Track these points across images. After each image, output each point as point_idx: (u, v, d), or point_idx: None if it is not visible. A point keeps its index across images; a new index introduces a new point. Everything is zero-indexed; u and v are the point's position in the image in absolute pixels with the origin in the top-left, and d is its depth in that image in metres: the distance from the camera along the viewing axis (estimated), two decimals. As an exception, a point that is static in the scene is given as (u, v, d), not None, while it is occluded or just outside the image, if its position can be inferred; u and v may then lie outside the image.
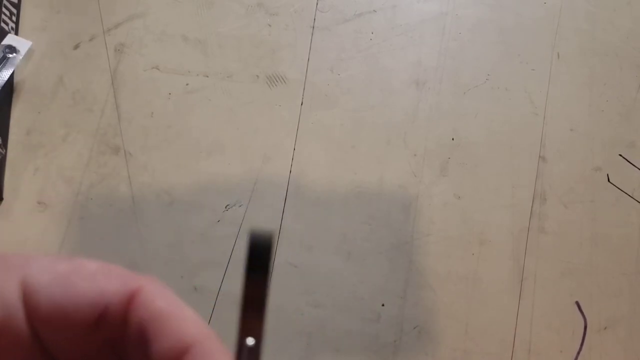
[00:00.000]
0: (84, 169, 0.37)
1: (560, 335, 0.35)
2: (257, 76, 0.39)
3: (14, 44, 0.38)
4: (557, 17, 0.41)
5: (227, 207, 0.36)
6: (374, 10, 0.41)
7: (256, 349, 0.14)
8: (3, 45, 0.38)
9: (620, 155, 0.38)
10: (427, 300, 0.35)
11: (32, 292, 0.14)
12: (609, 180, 0.38)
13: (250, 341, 0.14)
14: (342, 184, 0.37)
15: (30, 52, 0.39)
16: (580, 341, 0.35)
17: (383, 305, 0.35)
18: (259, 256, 0.14)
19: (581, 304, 0.36)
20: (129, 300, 0.14)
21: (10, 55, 0.38)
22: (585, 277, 0.36)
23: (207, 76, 0.39)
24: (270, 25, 0.40)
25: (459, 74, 0.40)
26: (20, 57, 0.38)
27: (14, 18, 0.40)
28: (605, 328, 0.35)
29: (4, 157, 0.37)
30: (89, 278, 0.14)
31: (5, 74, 0.37)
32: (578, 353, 0.35)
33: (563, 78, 0.40)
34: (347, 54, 0.40)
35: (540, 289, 0.36)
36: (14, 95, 0.39)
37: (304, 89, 0.39)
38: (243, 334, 0.14)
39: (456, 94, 0.39)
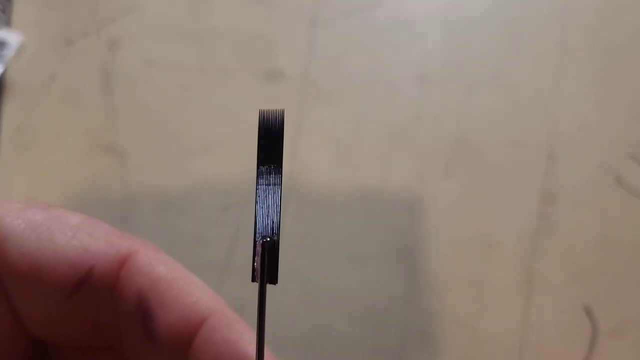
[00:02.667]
0: (76, 168, 0.37)
1: (568, 340, 0.35)
2: (255, 72, 0.39)
3: (5, 39, 0.38)
4: (566, 13, 0.41)
5: (224, 207, 0.36)
6: (377, 4, 0.41)
7: (273, 249, 0.12)
8: (-7, 40, 0.38)
9: (631, 155, 0.38)
10: (432, 305, 0.35)
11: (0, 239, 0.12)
12: (619, 181, 0.37)
13: (266, 240, 0.12)
14: (344, 184, 0.37)
15: (22, 47, 0.38)
16: (588, 347, 0.35)
17: (386, 310, 0.35)
18: (272, 141, 0.12)
19: (590, 309, 0.35)
20: (120, 264, 0.12)
21: (1, 51, 0.38)
22: (594, 280, 0.36)
23: (204, 72, 0.39)
24: (269, 20, 0.40)
25: (465, 71, 0.40)
26: (11, 53, 0.38)
27: (6, 12, 0.40)
28: (614, 333, 0.35)
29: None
30: (70, 232, 0.12)
31: (-4, 70, 0.37)
32: (586, 359, 0.35)
33: (572, 75, 0.40)
34: (349, 49, 0.40)
35: (549, 293, 0.36)
36: (4, 91, 0.38)
37: (303, 85, 0.39)
38: (258, 233, 0.12)
39: (462, 91, 0.39)
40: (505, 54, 0.40)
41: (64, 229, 0.12)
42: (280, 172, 0.12)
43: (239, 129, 0.38)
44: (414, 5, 0.41)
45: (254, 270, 0.12)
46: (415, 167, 0.38)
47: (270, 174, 0.12)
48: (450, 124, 0.39)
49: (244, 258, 0.36)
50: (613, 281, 0.36)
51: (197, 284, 0.13)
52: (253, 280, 0.13)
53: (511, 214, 0.37)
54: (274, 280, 0.12)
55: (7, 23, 0.40)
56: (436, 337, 0.35)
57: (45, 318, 0.13)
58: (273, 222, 0.12)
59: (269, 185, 0.12)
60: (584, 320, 0.35)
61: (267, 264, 0.12)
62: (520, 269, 0.36)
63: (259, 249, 0.12)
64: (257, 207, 0.12)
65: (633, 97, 0.39)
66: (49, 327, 0.13)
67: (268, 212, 0.12)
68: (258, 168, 0.12)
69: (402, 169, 0.38)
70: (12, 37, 0.38)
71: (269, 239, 0.12)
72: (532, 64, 0.40)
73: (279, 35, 0.40)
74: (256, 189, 0.12)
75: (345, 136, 0.38)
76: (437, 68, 0.40)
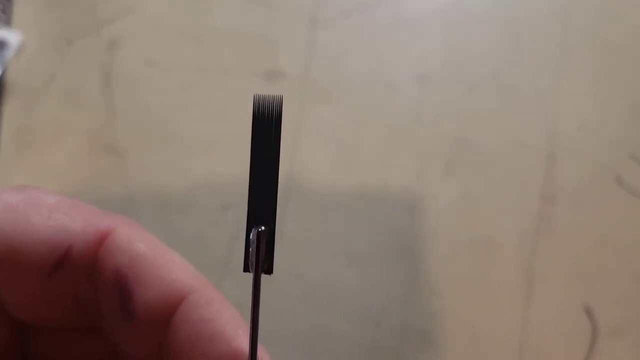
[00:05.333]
0: (76, 168, 0.37)
1: (568, 340, 0.35)
2: (255, 72, 0.39)
3: (5, 39, 0.38)
4: (566, 12, 0.41)
5: (224, 207, 0.36)
6: (377, 4, 0.41)
7: (269, 238, 0.12)
8: (-7, 40, 0.38)
9: (631, 155, 0.38)
10: (431, 305, 0.35)
11: None
12: (619, 181, 0.37)
13: (261, 229, 0.11)
14: (344, 184, 0.37)
15: (22, 47, 0.38)
16: (588, 347, 0.35)
17: (386, 309, 0.35)
18: (267, 128, 0.12)
19: (590, 309, 0.35)
20: (99, 242, 0.12)
21: (1, 51, 0.38)
22: (594, 280, 0.36)
23: (204, 72, 0.39)
24: (269, 20, 0.40)
25: (465, 71, 0.39)
26: (12, 53, 0.37)
27: (6, 12, 0.39)
28: (614, 333, 0.35)
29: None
30: (47, 213, 0.12)
31: (-5, 70, 0.37)
32: (586, 359, 0.34)
33: (572, 75, 0.39)
34: (349, 49, 0.40)
35: (549, 293, 0.35)
36: (4, 91, 0.38)
37: (303, 85, 0.39)
38: (253, 223, 0.12)
39: (462, 91, 0.39)
40: (505, 54, 0.40)
41: (40, 210, 0.12)
42: (277, 161, 0.12)
43: (239, 129, 0.38)
44: (414, 5, 0.41)
45: (247, 259, 0.12)
46: (415, 167, 0.38)
47: (266, 162, 0.11)
48: (450, 124, 0.38)
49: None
50: (613, 281, 0.36)
51: (177, 261, 0.13)
52: (246, 270, 0.12)
53: (511, 214, 0.37)
54: (269, 270, 0.12)
55: (7, 23, 0.40)
56: (436, 337, 0.35)
57: (25, 299, 0.12)
58: (268, 210, 0.12)
59: (264, 174, 0.12)
60: (584, 320, 0.35)
61: (262, 254, 0.12)
62: (520, 269, 0.36)
63: (253, 237, 0.12)
64: (251, 195, 0.12)
65: (633, 97, 0.39)
66: (29, 308, 0.13)
67: (263, 199, 0.12)
68: (252, 157, 0.12)
69: (402, 169, 0.37)
70: (12, 37, 0.38)
71: (264, 228, 0.12)
72: (532, 64, 0.40)
73: (279, 35, 0.40)
74: (250, 177, 0.12)
75: (345, 136, 0.38)
76: (437, 68, 0.40)
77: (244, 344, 0.12)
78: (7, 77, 0.38)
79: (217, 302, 0.12)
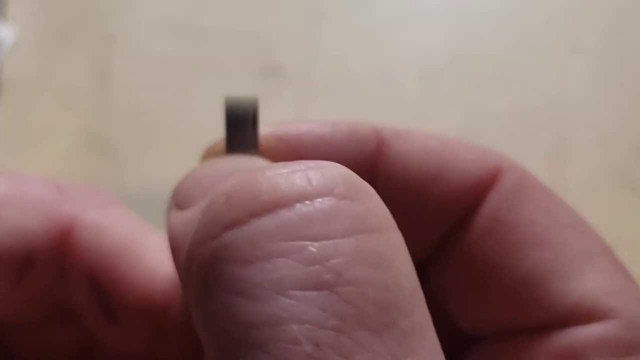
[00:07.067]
0: (71, 167, 0.36)
1: None
2: (254, 69, 0.38)
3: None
4: (574, 11, 0.40)
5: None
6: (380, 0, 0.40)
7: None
8: (-14, 35, 0.37)
9: (638, 156, 0.38)
10: None
11: None
12: (625, 182, 0.37)
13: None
14: None
15: (16, 43, 0.38)
16: None
17: None
18: (242, 134, 0.11)
19: None
20: (62, 240, 0.11)
21: None
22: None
23: (202, 68, 0.38)
24: (268, 15, 0.40)
25: (470, 68, 0.39)
26: (6, 50, 0.37)
27: (0, 8, 0.39)
28: None
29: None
30: None
31: (-12, 66, 0.37)
32: None
33: (579, 75, 0.39)
34: (351, 44, 0.39)
35: None
36: (-2, 88, 0.38)
37: (303, 81, 0.38)
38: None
39: (466, 89, 0.39)
40: (511, 52, 0.39)
41: None
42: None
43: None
44: (418, 1, 0.40)
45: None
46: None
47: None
48: (453, 123, 0.38)
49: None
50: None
51: (153, 250, 0.12)
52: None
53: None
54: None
55: (2, 19, 0.39)
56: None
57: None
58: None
59: None
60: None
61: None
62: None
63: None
64: None
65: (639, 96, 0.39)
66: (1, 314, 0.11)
67: None
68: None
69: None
70: (6, 33, 0.38)
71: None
72: (538, 62, 0.39)
73: (278, 31, 0.39)
74: None
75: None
76: (441, 65, 0.39)
77: None
78: (1, 74, 0.38)
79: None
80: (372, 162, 0.12)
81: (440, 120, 0.38)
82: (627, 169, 0.37)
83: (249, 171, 0.09)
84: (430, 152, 0.12)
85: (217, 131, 0.40)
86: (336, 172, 0.08)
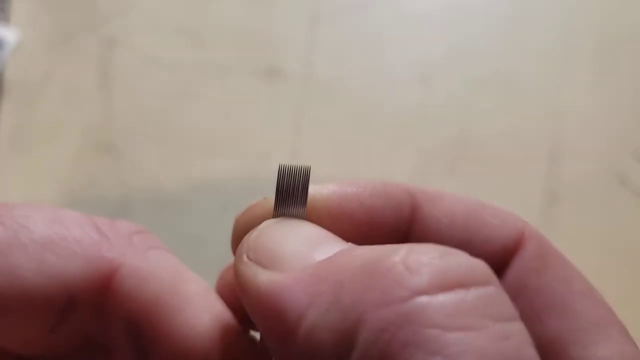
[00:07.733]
0: (74, 167, 0.37)
1: None
2: (256, 70, 0.39)
3: (2, 36, 0.37)
4: (571, 10, 0.40)
5: (224, 207, 0.36)
6: (379, 1, 0.40)
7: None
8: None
9: (635, 155, 0.38)
10: None
11: None
12: (622, 180, 0.37)
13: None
14: None
15: (20, 45, 0.38)
16: None
17: None
18: (291, 198, 0.11)
19: None
20: (103, 287, 0.10)
21: None
22: (596, 280, 0.36)
23: (203, 70, 0.39)
24: (269, 17, 0.40)
25: (468, 68, 0.39)
26: (9, 51, 0.37)
27: (4, 10, 0.39)
28: None
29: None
30: (37, 255, 0.10)
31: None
32: None
33: (576, 74, 0.39)
34: (350, 46, 0.39)
35: None
36: (2, 90, 0.38)
37: (304, 83, 0.38)
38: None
39: (464, 89, 0.39)
40: (509, 52, 0.39)
41: (28, 251, 0.10)
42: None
43: (239, 128, 0.37)
44: (416, 2, 0.41)
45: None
46: (417, 165, 0.37)
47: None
48: (452, 123, 0.38)
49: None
50: (616, 283, 0.35)
51: (193, 301, 0.12)
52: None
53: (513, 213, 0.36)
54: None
55: (5, 21, 0.39)
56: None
57: (27, 349, 0.11)
58: None
59: None
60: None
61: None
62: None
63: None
64: None
65: (637, 97, 0.39)
66: (32, 352, 0.11)
67: None
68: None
69: (403, 167, 0.37)
70: (10, 35, 0.38)
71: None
72: (536, 62, 0.39)
73: (279, 33, 0.39)
74: None
75: (345, 135, 0.38)
76: (440, 66, 0.39)
77: None
78: (4, 75, 0.38)
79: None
80: (407, 226, 0.12)
81: (439, 121, 0.38)
82: (625, 168, 0.37)
83: (430, 246, 0.10)
84: (459, 218, 0.13)
85: (217, 131, 0.40)
86: (483, 263, 0.10)
